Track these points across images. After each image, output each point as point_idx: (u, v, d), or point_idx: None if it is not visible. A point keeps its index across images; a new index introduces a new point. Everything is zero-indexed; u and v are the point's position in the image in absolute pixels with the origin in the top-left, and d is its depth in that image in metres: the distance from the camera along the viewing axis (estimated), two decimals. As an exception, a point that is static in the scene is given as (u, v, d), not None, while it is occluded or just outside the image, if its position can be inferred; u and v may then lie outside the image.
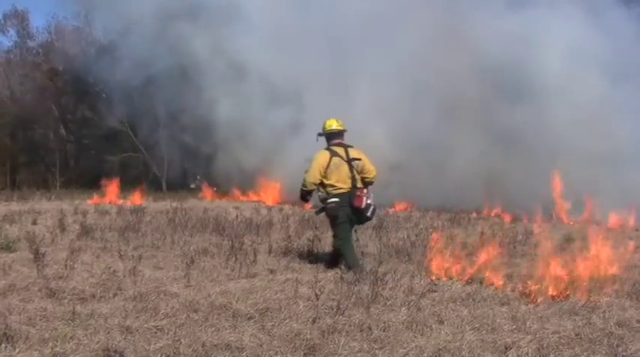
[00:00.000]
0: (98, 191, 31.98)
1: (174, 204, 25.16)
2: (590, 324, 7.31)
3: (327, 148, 10.93)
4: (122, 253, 11.50)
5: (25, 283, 9.07)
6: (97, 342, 6.43)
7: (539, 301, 8.34)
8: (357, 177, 10.75)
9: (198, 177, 38.87)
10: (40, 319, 7.20)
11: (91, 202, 28.50)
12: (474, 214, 23.19)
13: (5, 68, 57.48)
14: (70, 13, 50.57)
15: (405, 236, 14.15)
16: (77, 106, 53.63)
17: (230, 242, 12.20)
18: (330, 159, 10.71)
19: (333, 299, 8.09)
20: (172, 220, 17.33)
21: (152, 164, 48.42)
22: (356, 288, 8.69)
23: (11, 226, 16.97)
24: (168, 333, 6.73)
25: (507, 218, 22.02)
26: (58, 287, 8.75)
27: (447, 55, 30.43)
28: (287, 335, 6.72)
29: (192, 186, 38.44)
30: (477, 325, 7.16)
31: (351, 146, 10.98)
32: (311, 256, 11.96)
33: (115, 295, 8.55)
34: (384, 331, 6.94)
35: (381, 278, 8.88)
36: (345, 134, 11.15)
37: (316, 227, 14.33)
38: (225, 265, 10.83)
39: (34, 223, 18.25)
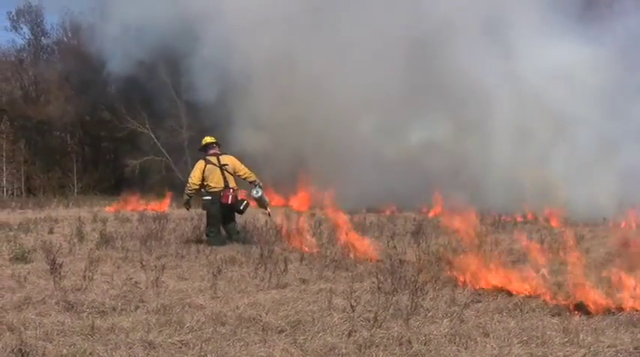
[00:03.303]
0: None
1: (200, 210, 25.21)
2: (650, 337, 7.22)
3: (204, 158, 15.29)
4: (144, 263, 11.53)
5: (42, 295, 9.13)
6: (118, 358, 6.47)
7: (593, 311, 8.24)
8: (230, 178, 15.08)
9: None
10: (57, 334, 7.23)
11: (109, 209, 28.67)
12: (520, 219, 23.17)
13: (18, 67, 57.90)
14: (85, 9, 50.65)
15: (446, 242, 14.08)
16: (95, 106, 53.83)
17: (259, 250, 12.23)
18: (205, 166, 15.10)
19: (370, 311, 8.07)
20: (198, 228, 17.36)
21: (175, 168, 48.51)
22: (394, 298, 8.67)
23: (26, 236, 17.12)
24: (193, 348, 6.74)
25: (555, 223, 21.89)
26: (76, 300, 8.79)
27: None
28: (321, 350, 6.70)
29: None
30: (525, 338, 7.10)
31: (223, 154, 15.42)
32: (345, 265, 11.94)
33: (136, 307, 8.57)
34: (424, 344, 6.90)
35: (421, 288, 8.83)
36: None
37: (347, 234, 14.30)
38: (254, 274, 10.81)
39: (51, 231, 18.39)
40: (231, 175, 15.17)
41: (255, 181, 15.41)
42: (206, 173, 15.07)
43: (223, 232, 15.49)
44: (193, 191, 15.35)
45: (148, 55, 39.94)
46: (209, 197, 15.11)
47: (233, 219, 15.55)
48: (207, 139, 15.65)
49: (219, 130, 35.23)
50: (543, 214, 24.01)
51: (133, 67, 40.96)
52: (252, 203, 15.99)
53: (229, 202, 14.96)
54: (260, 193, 15.40)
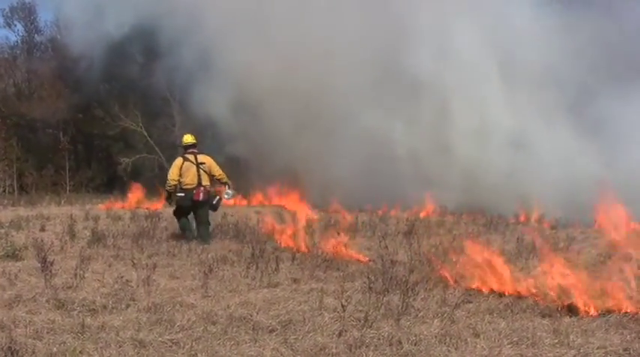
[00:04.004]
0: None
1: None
2: (639, 338, 7.23)
3: (182, 156, 16.05)
4: (136, 261, 11.56)
5: (32, 293, 9.12)
6: None
7: (583, 313, 8.26)
8: (204, 176, 15.78)
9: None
10: (48, 332, 7.23)
11: (101, 207, 28.61)
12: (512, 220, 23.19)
13: (11, 64, 57.74)
14: (79, 6, 50.52)
15: (438, 243, 14.10)
16: (88, 104, 53.65)
17: (251, 249, 12.23)
18: (183, 163, 15.76)
19: (361, 310, 8.09)
20: (190, 227, 17.36)
21: (168, 166, 48.40)
22: (385, 298, 8.67)
23: (18, 233, 17.11)
24: (184, 347, 6.74)
25: (546, 224, 21.91)
26: (67, 298, 8.79)
27: None
28: (311, 349, 6.71)
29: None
30: (515, 339, 7.11)
31: (200, 153, 16.11)
32: (337, 264, 11.94)
33: (127, 306, 8.58)
34: (415, 344, 6.91)
35: (412, 288, 8.85)
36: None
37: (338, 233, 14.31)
38: (245, 274, 10.82)
39: (43, 229, 18.37)
40: (206, 173, 15.85)
41: (228, 183, 16.32)
42: (183, 170, 15.70)
43: (193, 225, 16.14)
44: (172, 187, 15.94)
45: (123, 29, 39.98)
46: (182, 194, 15.77)
47: (207, 220, 16.05)
48: (189, 139, 16.28)
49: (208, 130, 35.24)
50: (535, 216, 24.01)
51: (110, 45, 41.14)
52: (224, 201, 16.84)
53: (200, 198, 15.59)
54: (230, 197, 16.81)
